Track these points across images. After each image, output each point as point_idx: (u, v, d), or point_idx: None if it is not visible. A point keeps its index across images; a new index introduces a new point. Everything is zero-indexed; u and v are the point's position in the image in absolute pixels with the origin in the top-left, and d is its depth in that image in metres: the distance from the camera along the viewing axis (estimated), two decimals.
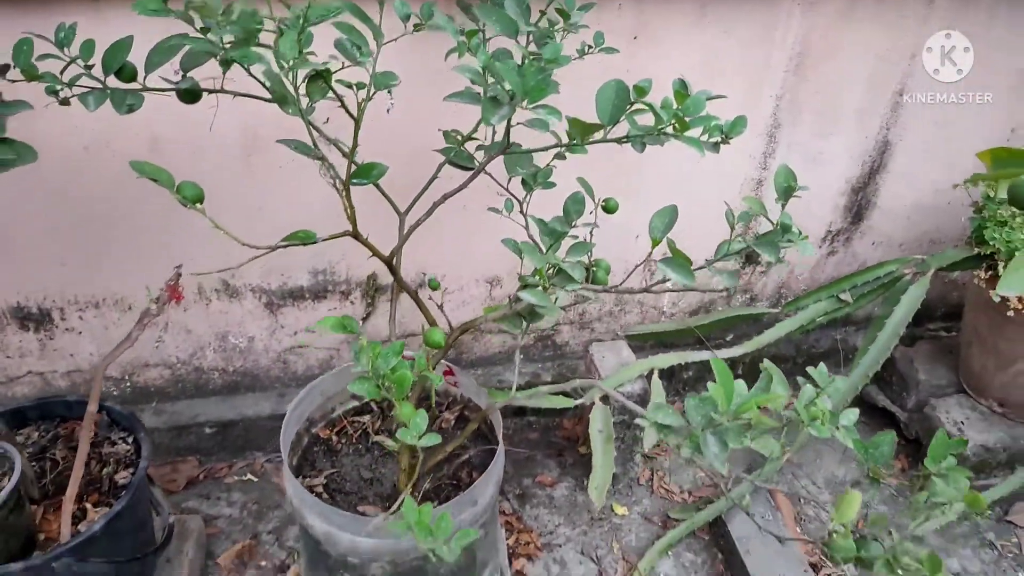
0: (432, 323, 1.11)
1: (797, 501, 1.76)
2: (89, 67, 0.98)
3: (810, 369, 1.01)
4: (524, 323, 1.15)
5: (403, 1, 1.02)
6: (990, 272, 1.57)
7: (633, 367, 1.65)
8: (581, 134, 0.87)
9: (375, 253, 1.04)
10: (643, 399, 1.61)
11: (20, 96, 0.97)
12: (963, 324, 1.76)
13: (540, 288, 1.02)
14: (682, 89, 0.90)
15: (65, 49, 0.99)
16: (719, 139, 0.90)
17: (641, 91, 0.90)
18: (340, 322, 0.85)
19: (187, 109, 1.32)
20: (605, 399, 1.58)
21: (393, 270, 1.08)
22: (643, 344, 1.86)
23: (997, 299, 1.54)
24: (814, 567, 1.54)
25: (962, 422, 1.72)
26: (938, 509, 0.99)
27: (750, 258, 1.84)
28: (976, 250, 1.61)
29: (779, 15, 1.48)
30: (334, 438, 1.32)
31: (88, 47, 0.98)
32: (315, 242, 0.96)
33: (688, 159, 1.61)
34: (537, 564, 1.58)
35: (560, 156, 1.11)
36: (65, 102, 1.00)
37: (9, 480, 1.11)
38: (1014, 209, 1.51)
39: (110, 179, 1.40)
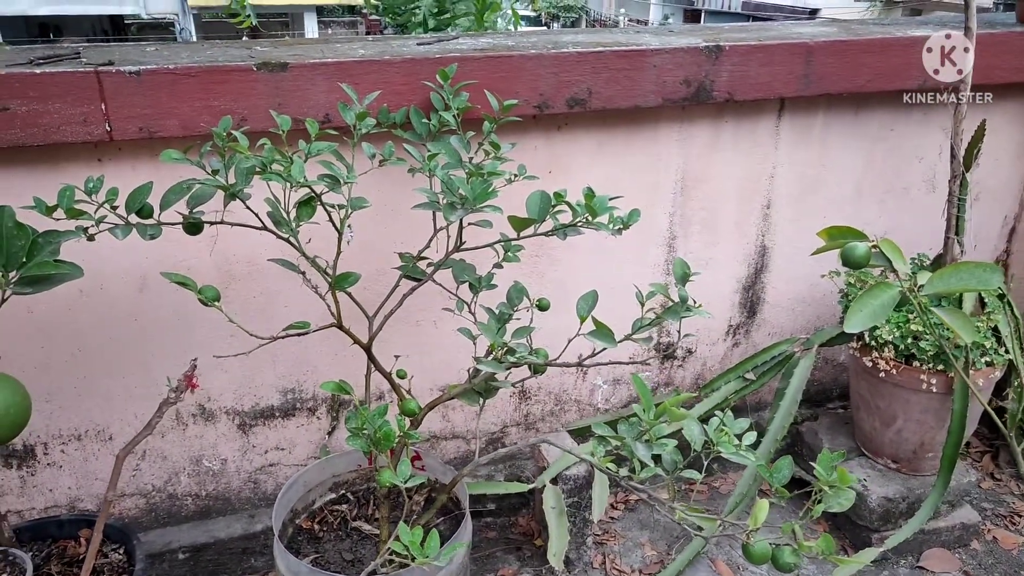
0: (404, 399, 1.31)
1: (736, 569, 1.93)
2: (114, 207, 1.21)
3: (717, 412, 1.26)
4: (481, 399, 1.37)
5: (368, 144, 1.31)
6: (860, 342, 1.89)
7: (576, 452, 1.85)
8: (519, 227, 1.14)
9: (355, 340, 1.25)
10: (588, 480, 1.80)
11: None
12: (850, 392, 2.05)
13: (494, 359, 1.25)
14: (590, 193, 1.20)
15: (93, 196, 1.22)
16: (620, 227, 1.18)
17: (559, 196, 1.19)
18: (339, 386, 1.05)
19: (169, 255, 1.56)
20: (555, 481, 1.76)
21: (370, 354, 1.29)
22: (583, 437, 2.06)
23: (870, 364, 1.85)
24: None
25: (864, 479, 1.96)
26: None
27: (667, 353, 2.12)
28: None
29: (660, 148, 1.85)
30: (315, 527, 1.45)
31: (113, 192, 1.21)
32: (306, 332, 1.17)
33: (603, 275, 1.90)
34: None
35: (498, 265, 1.39)
36: (91, 238, 1.22)
37: None
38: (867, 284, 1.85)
39: (100, 318, 1.58)
